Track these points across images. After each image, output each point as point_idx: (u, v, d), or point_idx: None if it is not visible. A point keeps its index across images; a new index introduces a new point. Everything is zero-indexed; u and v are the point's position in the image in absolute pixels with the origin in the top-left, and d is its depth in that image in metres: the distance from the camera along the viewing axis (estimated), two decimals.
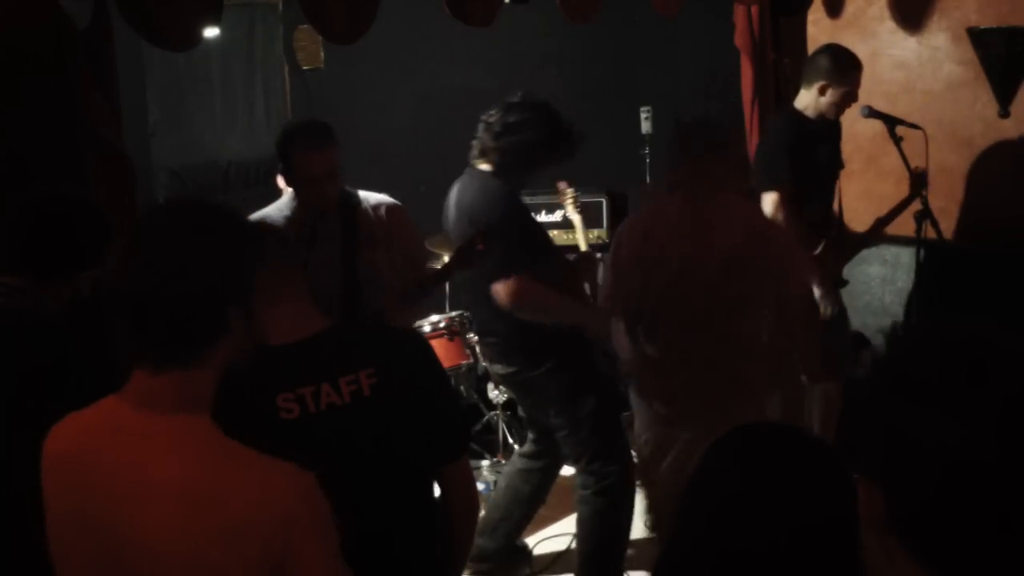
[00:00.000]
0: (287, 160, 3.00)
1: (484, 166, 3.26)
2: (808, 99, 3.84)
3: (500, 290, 3.14)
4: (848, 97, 3.79)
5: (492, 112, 3.23)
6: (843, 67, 3.78)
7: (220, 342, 1.45)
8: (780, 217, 3.64)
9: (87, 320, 2.22)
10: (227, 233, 1.48)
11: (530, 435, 3.79)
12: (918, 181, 3.88)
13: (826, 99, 3.79)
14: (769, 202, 3.69)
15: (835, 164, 3.98)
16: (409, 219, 3.32)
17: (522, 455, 3.83)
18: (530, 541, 4.00)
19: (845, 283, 4.03)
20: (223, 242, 1.46)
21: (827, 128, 3.88)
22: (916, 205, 3.88)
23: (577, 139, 3.25)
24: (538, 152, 3.18)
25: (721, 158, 2.78)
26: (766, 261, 2.71)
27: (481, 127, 3.25)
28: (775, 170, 3.72)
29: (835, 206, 4.03)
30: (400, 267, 3.24)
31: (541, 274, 3.19)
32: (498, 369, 3.48)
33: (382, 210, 3.23)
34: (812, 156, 3.80)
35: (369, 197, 3.24)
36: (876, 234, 4.06)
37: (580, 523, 3.52)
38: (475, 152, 3.28)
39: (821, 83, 3.77)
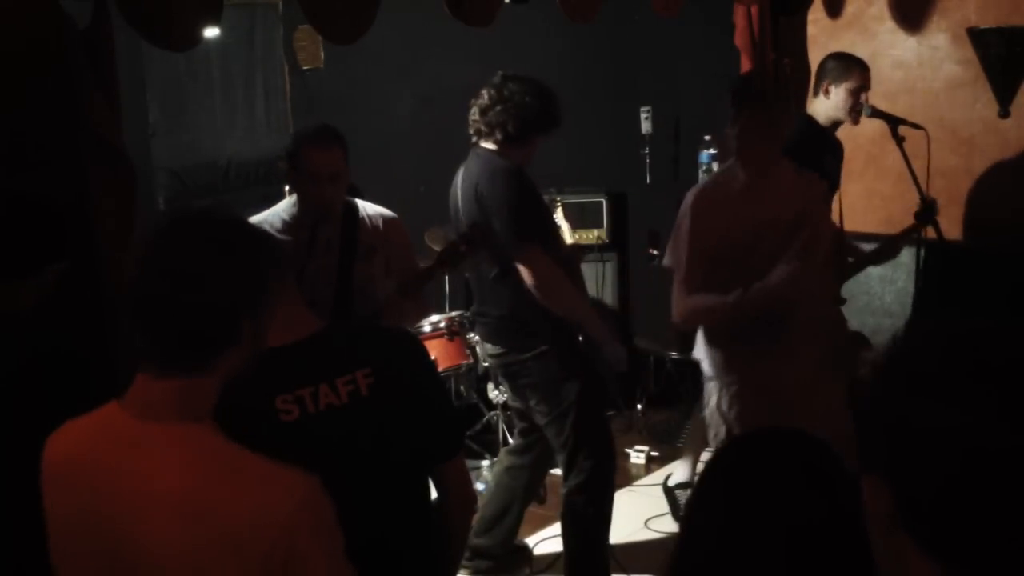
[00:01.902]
0: (295, 156, 3.02)
1: (487, 145, 3.32)
2: (817, 105, 3.88)
3: (525, 264, 3.16)
4: (852, 95, 3.79)
5: (479, 94, 3.33)
6: (843, 64, 3.82)
7: (229, 352, 1.45)
8: None
9: (56, 318, 2.22)
10: (245, 245, 1.49)
11: (517, 429, 3.79)
12: (927, 211, 3.82)
13: (831, 100, 3.81)
14: None
15: (835, 179, 3.99)
16: (405, 232, 3.35)
17: (509, 452, 3.84)
18: (530, 541, 4.00)
19: (843, 301, 4.00)
20: (242, 254, 1.47)
21: (835, 142, 3.92)
22: (915, 204, 3.87)
23: (558, 104, 3.36)
24: (529, 116, 3.26)
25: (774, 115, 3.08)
26: (815, 218, 3.16)
27: (472, 111, 3.33)
28: None
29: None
30: (390, 278, 3.25)
31: (552, 257, 3.26)
32: (488, 349, 3.50)
33: (380, 221, 3.25)
34: (817, 158, 3.80)
35: (367, 208, 3.26)
36: (880, 257, 4.01)
37: (562, 522, 3.54)
38: (474, 137, 3.35)
39: (824, 83, 3.81)
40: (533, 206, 3.30)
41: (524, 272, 3.18)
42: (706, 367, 3.29)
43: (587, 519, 3.45)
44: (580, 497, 3.42)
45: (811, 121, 3.88)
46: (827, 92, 3.80)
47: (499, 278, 3.28)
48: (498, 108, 3.27)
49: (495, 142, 3.29)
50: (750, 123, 3.04)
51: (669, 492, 4.28)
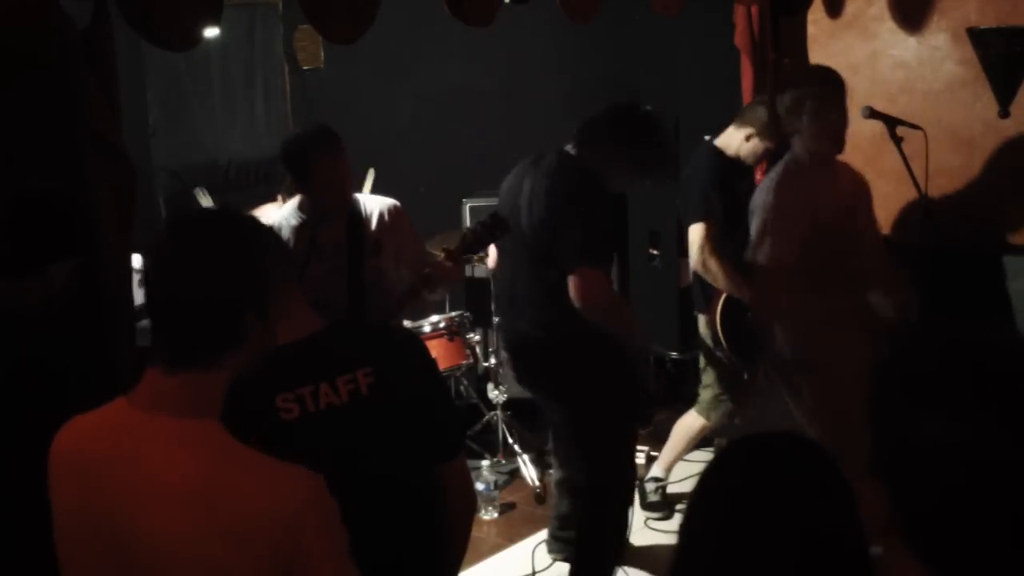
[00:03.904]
0: (305, 165, 3.01)
1: (575, 152, 3.20)
2: (731, 139, 3.91)
3: (579, 283, 2.98)
4: (767, 153, 3.88)
5: (605, 109, 3.21)
6: (775, 127, 3.82)
7: (238, 349, 1.46)
8: (707, 248, 3.72)
9: (64, 315, 2.22)
10: (251, 243, 1.52)
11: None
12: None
13: (748, 147, 3.86)
14: (696, 233, 3.76)
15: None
16: (406, 217, 3.35)
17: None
18: (530, 541, 4.00)
19: None
20: (248, 252, 1.50)
21: (743, 167, 3.96)
22: (915, 204, 3.88)
23: (661, 167, 3.34)
24: (601, 122, 3.17)
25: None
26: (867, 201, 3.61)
27: (588, 119, 3.21)
28: (705, 204, 3.79)
29: None
30: (399, 265, 3.26)
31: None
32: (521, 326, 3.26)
33: (384, 212, 3.25)
34: (733, 191, 3.85)
35: (367, 201, 3.25)
36: None
37: (576, 523, 3.51)
38: (574, 139, 3.22)
39: (749, 131, 3.84)
40: (606, 225, 3.17)
41: (574, 287, 2.98)
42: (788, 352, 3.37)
43: (598, 525, 3.40)
44: (593, 504, 3.37)
45: (719, 154, 3.91)
46: (748, 139, 3.84)
47: (556, 282, 3.05)
48: (601, 137, 3.16)
49: (584, 153, 3.17)
50: (825, 113, 3.31)
51: (640, 484, 4.31)
